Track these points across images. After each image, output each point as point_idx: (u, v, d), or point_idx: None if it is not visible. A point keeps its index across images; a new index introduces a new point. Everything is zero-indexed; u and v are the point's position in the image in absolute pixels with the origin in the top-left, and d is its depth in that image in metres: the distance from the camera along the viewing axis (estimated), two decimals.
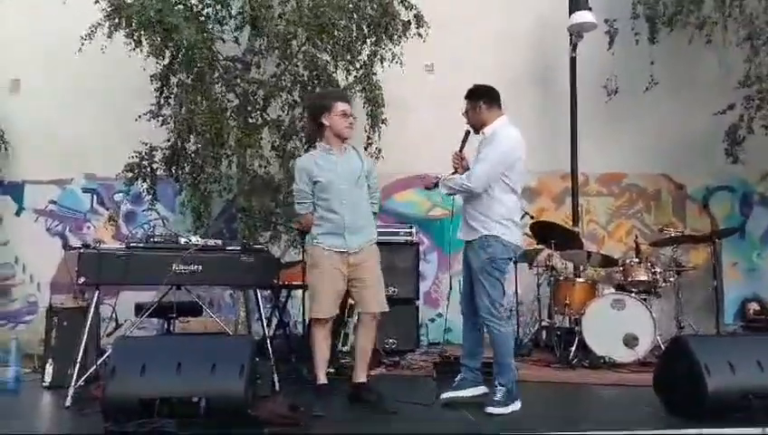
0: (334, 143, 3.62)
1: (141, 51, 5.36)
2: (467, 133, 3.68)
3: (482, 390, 3.62)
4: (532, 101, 6.82)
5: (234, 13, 5.76)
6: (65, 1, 5.46)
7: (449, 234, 6.15)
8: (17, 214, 6.75)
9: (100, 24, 5.28)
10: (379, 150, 5.79)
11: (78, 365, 3.55)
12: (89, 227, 6.72)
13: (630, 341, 4.81)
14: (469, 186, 3.47)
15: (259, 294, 4.17)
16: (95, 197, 6.80)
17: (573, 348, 4.89)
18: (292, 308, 5.50)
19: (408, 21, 5.82)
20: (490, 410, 3.37)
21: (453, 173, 3.66)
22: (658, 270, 5.24)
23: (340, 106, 3.60)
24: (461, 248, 3.72)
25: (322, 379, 3.62)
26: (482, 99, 3.62)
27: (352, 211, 3.57)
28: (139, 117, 5.64)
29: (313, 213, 3.62)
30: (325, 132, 3.63)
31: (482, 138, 3.62)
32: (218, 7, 5.74)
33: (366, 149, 5.76)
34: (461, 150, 3.68)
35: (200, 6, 5.70)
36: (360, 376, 3.65)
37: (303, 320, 4.99)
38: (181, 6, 5.48)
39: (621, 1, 6.50)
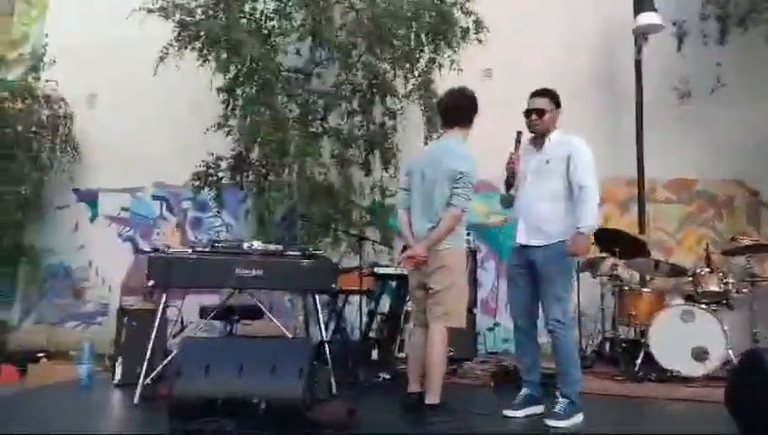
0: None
1: (209, 66, 5.59)
2: (520, 134, 3.52)
3: (541, 409, 3.50)
4: (596, 104, 6.66)
5: (296, 25, 5.91)
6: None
7: (508, 242, 6.08)
8: (91, 220, 7.14)
9: (171, 45, 5.54)
10: None
11: (146, 365, 3.70)
12: (158, 233, 7.02)
13: (700, 354, 4.58)
14: (597, 199, 3.36)
15: (317, 299, 4.23)
16: (164, 204, 7.11)
17: (639, 361, 4.70)
18: (350, 314, 5.55)
19: (467, 27, 5.81)
20: (551, 422, 3.25)
21: (511, 177, 3.51)
22: (731, 281, 4.97)
23: None
24: None
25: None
26: (557, 102, 3.53)
27: None
28: (207, 130, 5.84)
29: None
30: (466, 130, 3.56)
31: (556, 144, 3.47)
32: (282, 21, 5.91)
33: None
34: (516, 151, 3.52)
35: (263, 20, 5.89)
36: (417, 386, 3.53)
37: (360, 325, 5.03)
38: (245, 21, 5.68)
39: (689, 1, 6.26)
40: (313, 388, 3.32)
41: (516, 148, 3.52)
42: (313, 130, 5.96)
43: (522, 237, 3.49)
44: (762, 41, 5.87)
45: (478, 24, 5.84)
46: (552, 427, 3.22)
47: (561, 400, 3.33)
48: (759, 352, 3.24)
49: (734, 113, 6.40)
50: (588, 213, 3.31)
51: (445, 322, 3.35)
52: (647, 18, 6.02)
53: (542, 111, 3.47)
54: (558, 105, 3.53)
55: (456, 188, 3.33)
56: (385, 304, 5.36)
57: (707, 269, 5.03)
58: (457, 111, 3.56)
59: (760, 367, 3.01)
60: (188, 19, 5.57)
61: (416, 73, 5.88)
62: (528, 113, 3.50)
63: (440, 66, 5.89)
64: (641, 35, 6.23)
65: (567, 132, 3.54)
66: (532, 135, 3.54)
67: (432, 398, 3.31)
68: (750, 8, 5.84)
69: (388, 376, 4.36)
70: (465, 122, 3.54)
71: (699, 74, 6.25)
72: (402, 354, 4.88)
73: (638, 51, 6.33)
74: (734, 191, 6.57)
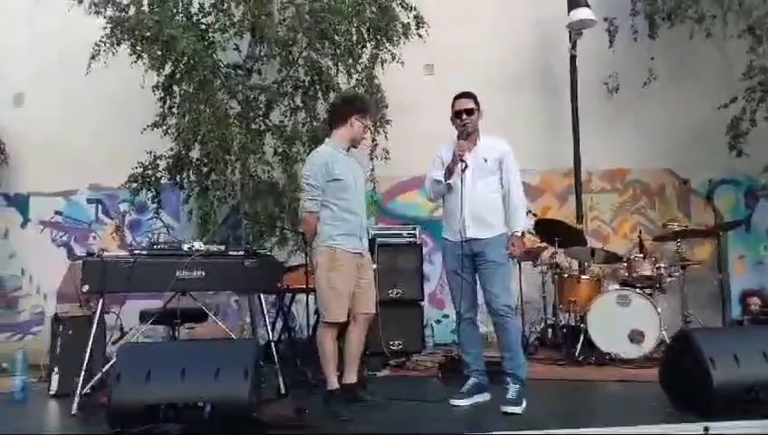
0: (344, 145, 3.69)
1: (143, 63, 5.41)
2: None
3: (487, 397, 3.61)
4: (534, 98, 6.83)
5: (235, 20, 5.78)
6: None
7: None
8: (23, 226, 6.82)
9: (103, 41, 5.34)
10: (387, 152, 5.86)
11: (84, 373, 3.57)
12: (94, 238, 6.78)
13: (636, 336, 4.79)
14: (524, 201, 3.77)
15: (263, 299, 4.18)
16: (100, 207, 6.86)
17: (579, 345, 4.87)
18: (297, 312, 5.50)
19: (408, 23, 5.85)
20: (509, 409, 3.32)
21: (461, 161, 3.55)
22: (663, 265, 5.22)
23: (369, 120, 3.83)
24: None
25: (335, 383, 3.57)
26: (479, 103, 3.71)
27: (363, 213, 3.69)
28: (144, 129, 5.66)
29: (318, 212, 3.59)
30: (342, 130, 3.69)
31: (488, 143, 3.66)
32: (219, 15, 5.77)
33: (372, 151, 5.80)
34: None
35: (200, 15, 5.75)
36: (353, 377, 3.70)
37: (308, 324, 5.00)
38: (180, 17, 5.53)
39: None
40: (260, 388, 3.28)
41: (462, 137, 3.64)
42: (255, 126, 5.86)
43: (470, 231, 3.57)
44: (687, 36, 6.15)
45: (419, 20, 5.88)
46: (511, 413, 3.29)
47: (512, 385, 3.44)
48: (689, 332, 3.42)
49: (664, 105, 6.70)
50: (522, 216, 3.69)
51: (321, 318, 3.57)
52: (580, 14, 6.20)
53: (471, 111, 3.65)
54: (480, 107, 3.72)
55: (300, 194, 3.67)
56: None
57: (641, 255, 5.25)
58: (330, 115, 3.87)
59: (690, 348, 3.18)
60: (120, 15, 5.37)
61: (358, 69, 5.87)
62: (459, 114, 3.66)
63: (383, 62, 5.90)
64: (575, 30, 6.42)
65: (488, 133, 3.72)
66: (463, 134, 3.65)
67: (328, 386, 3.55)
68: (675, 5, 6.11)
69: (337, 373, 4.33)
70: (338, 123, 3.72)
71: (632, 68, 6.49)
72: None
73: (573, 46, 6.52)
74: (665, 180, 6.87)
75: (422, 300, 5.52)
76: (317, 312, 5.19)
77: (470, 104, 3.66)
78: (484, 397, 3.60)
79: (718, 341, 3.24)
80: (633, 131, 6.74)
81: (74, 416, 3.47)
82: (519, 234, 3.64)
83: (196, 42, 5.27)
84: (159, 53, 5.36)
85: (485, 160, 3.61)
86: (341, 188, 3.55)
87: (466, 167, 3.55)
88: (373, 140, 5.80)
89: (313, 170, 3.55)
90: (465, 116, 3.63)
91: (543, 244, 5.63)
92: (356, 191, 3.65)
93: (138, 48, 5.38)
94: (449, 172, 3.59)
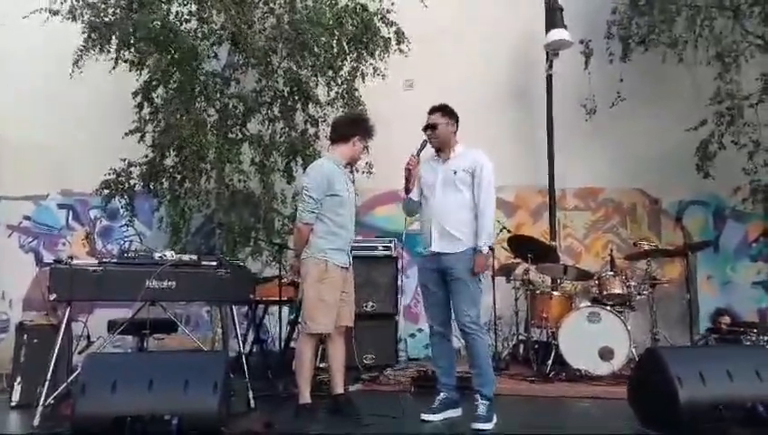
0: (343, 162, 3.78)
1: (121, 68, 5.34)
2: (426, 142, 3.74)
3: (459, 412, 3.62)
4: (511, 116, 6.91)
5: (215, 29, 5.76)
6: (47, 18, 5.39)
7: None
8: None
9: (84, 46, 5.28)
10: (371, 166, 5.86)
11: (48, 383, 3.48)
12: (64, 244, 6.63)
13: (606, 354, 4.84)
14: (493, 217, 3.61)
15: (235, 311, 4.14)
16: (71, 212, 6.73)
17: (550, 361, 4.91)
18: (269, 324, 5.45)
19: (389, 38, 5.89)
20: (479, 426, 3.33)
21: (407, 179, 3.67)
22: (633, 283, 5.30)
23: (368, 142, 3.89)
24: None
25: (307, 397, 3.59)
26: (455, 119, 3.75)
27: (353, 229, 3.76)
28: (125, 135, 5.58)
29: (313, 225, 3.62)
30: (343, 148, 3.78)
31: (461, 156, 3.69)
32: (200, 24, 5.74)
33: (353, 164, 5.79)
34: (418, 155, 3.71)
35: (179, 23, 5.71)
36: (340, 388, 3.72)
37: (280, 336, 4.96)
38: (159, 24, 5.49)
39: (596, 21, 6.63)
40: (229, 402, 3.24)
41: (418, 151, 3.71)
42: (232, 135, 5.83)
43: (435, 245, 3.61)
44: (660, 60, 6.29)
45: (399, 35, 5.93)
46: (480, 430, 3.30)
47: (481, 402, 3.44)
48: (657, 351, 3.46)
49: (637, 126, 6.82)
50: (485, 233, 3.55)
51: (304, 329, 3.58)
52: (557, 35, 6.31)
53: (434, 126, 3.70)
54: (453, 118, 3.75)
55: (298, 203, 3.71)
56: None
57: (612, 273, 5.33)
58: (334, 131, 3.91)
59: (658, 366, 3.22)
60: (98, 20, 5.32)
61: (338, 81, 5.89)
62: (425, 129, 3.73)
63: (363, 75, 5.92)
64: (552, 51, 6.53)
65: (469, 146, 3.77)
66: (435, 148, 3.75)
67: (300, 399, 3.56)
68: (649, 31, 6.26)
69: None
70: (340, 141, 3.80)
71: (606, 89, 6.60)
72: (323, 364, 4.85)
73: (550, 66, 6.63)
74: (636, 199, 7.00)
75: (396, 314, 5.51)
76: (290, 324, 5.19)
77: (434, 118, 3.71)
78: (455, 412, 3.61)
79: (685, 359, 3.28)
80: (607, 151, 6.85)
81: (37, 428, 3.38)
82: (483, 251, 3.55)
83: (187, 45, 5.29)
84: (155, 54, 5.31)
85: (455, 172, 3.64)
86: (339, 203, 3.62)
87: (408, 173, 3.66)
88: None
89: (316, 183, 3.60)
90: (429, 131, 3.72)
91: (517, 259, 5.68)
92: (350, 207, 3.72)
93: (128, 52, 5.33)
94: (406, 189, 3.71)
